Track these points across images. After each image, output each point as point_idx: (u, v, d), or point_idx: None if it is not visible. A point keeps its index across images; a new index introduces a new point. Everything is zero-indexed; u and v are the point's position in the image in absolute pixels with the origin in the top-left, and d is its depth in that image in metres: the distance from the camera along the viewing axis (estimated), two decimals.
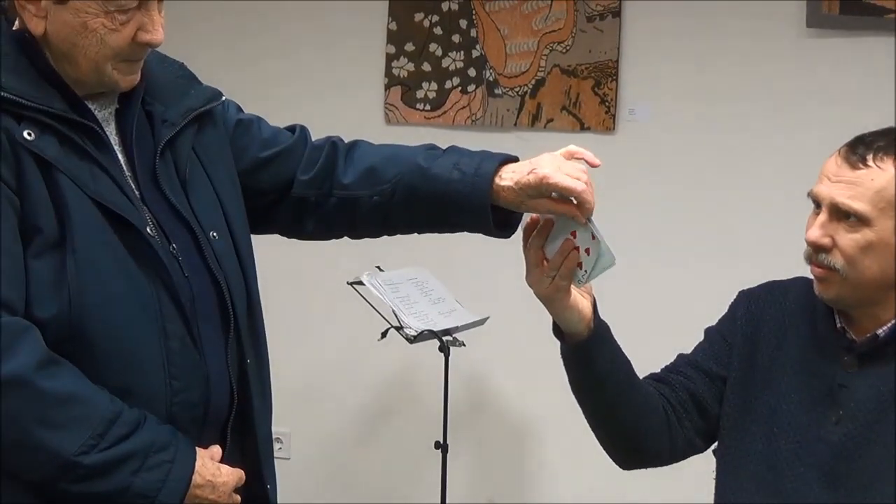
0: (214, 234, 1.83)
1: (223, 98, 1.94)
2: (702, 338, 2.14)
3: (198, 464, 1.73)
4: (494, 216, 1.90)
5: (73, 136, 1.70)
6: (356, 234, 2.06)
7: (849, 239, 1.90)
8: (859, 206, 1.88)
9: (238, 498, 1.80)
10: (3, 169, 1.64)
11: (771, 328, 2.06)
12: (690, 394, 2.07)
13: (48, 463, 1.64)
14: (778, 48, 3.53)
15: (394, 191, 1.94)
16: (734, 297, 2.14)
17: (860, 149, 1.90)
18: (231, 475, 1.78)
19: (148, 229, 1.74)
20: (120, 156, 1.78)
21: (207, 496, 1.74)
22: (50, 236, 1.66)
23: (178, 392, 1.74)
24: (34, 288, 1.65)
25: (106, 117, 1.78)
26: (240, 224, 1.90)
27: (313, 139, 2.04)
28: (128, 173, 1.77)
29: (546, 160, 1.85)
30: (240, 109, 2.02)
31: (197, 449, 1.75)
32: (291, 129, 2.04)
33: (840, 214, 1.90)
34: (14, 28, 1.73)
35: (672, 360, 2.15)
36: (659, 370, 2.13)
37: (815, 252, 1.93)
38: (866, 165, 1.88)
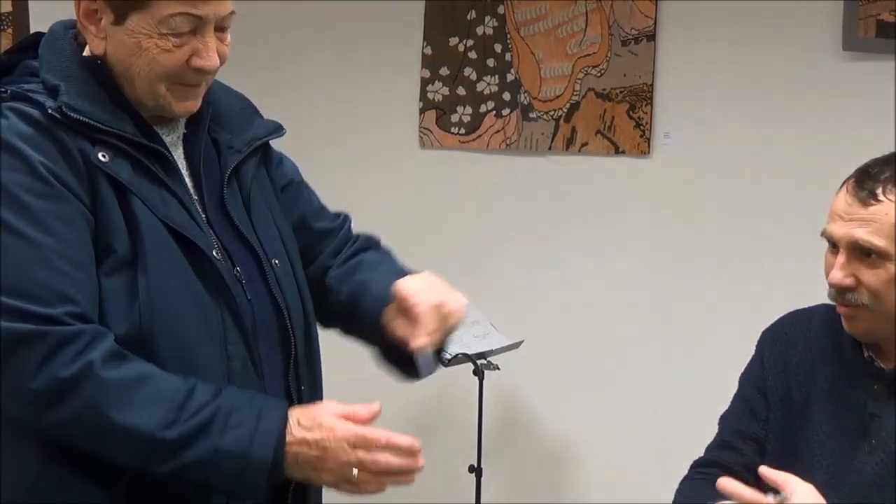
0: (276, 261, 1.84)
1: (284, 131, 1.96)
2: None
3: (292, 413, 1.65)
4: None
5: (144, 160, 1.72)
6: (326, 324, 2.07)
7: (873, 275, 1.89)
8: (880, 241, 1.87)
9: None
10: (80, 188, 1.66)
11: (800, 359, 2.05)
12: (748, 470, 2.00)
13: (134, 444, 1.60)
14: (814, 72, 3.52)
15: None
16: (768, 323, 2.13)
17: (868, 183, 1.89)
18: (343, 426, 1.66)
19: (214, 252, 1.75)
20: (187, 180, 1.80)
21: (316, 437, 1.64)
22: (122, 256, 1.67)
23: None
24: (106, 305, 1.66)
25: (174, 141, 1.80)
26: (295, 253, 1.92)
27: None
28: (194, 197, 1.79)
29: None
30: (297, 171, 2.04)
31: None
32: (337, 214, 2.08)
33: (861, 252, 1.89)
34: (85, 54, 1.75)
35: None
36: (703, 451, 2.11)
37: (840, 293, 1.92)
38: (878, 200, 1.87)
